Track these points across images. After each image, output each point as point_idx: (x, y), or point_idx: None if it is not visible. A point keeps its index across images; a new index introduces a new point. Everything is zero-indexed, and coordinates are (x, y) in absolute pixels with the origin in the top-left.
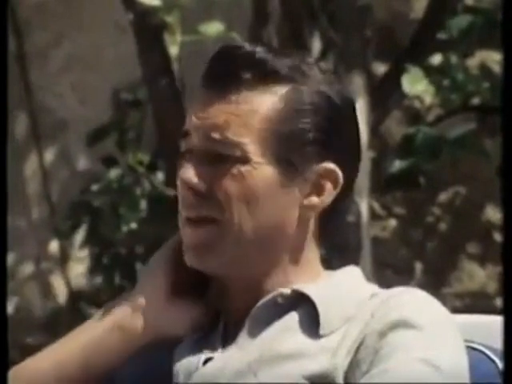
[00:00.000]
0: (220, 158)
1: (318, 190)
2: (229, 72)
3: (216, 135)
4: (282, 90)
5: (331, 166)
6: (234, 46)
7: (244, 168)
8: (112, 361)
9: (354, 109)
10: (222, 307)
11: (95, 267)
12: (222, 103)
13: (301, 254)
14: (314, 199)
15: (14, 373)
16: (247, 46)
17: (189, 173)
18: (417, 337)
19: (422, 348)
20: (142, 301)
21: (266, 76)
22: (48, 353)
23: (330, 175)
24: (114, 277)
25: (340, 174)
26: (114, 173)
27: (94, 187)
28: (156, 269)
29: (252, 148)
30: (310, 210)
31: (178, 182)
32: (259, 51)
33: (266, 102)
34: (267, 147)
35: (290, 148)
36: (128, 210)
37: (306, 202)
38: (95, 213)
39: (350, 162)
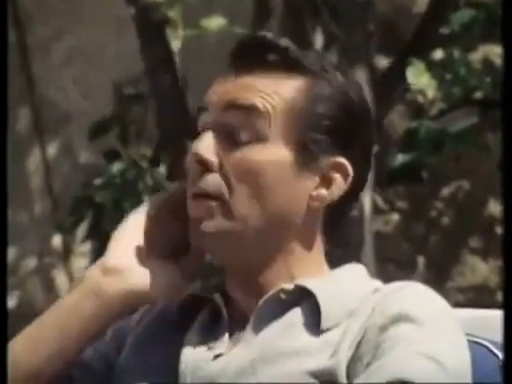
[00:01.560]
0: (235, 135)
1: (328, 183)
2: (255, 53)
3: (234, 108)
4: (303, 78)
5: (343, 160)
6: (260, 35)
7: (259, 147)
8: (91, 327)
9: (368, 111)
10: (222, 295)
11: None
12: (245, 78)
13: (305, 248)
14: (323, 191)
15: (10, 347)
16: (271, 35)
17: (201, 145)
18: (417, 331)
19: (422, 342)
20: (114, 262)
21: (289, 63)
22: (32, 327)
23: (340, 169)
24: None
25: (350, 169)
26: (116, 167)
27: (97, 181)
28: (142, 216)
29: (270, 127)
30: (318, 202)
31: (189, 156)
32: (284, 41)
33: (288, 86)
34: (285, 129)
35: (307, 134)
36: (130, 204)
37: (315, 193)
38: (98, 207)
39: (361, 160)
